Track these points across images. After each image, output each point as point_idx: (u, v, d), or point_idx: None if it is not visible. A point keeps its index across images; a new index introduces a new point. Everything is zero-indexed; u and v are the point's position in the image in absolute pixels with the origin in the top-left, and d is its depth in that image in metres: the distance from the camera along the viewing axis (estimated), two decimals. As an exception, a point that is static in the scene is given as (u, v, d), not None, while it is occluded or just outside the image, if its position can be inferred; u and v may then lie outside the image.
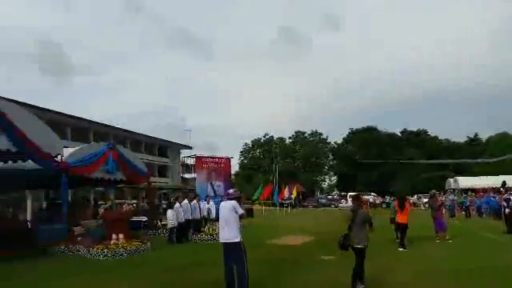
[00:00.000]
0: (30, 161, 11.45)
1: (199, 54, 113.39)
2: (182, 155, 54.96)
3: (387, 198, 38.70)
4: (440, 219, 12.84)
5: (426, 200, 38.84)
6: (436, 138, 66.90)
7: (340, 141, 69.48)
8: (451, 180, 44.28)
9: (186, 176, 52.02)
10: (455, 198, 27.88)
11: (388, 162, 47.94)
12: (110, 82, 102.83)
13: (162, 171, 51.01)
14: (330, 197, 51.02)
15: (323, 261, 9.23)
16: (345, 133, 69.39)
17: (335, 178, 71.68)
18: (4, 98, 10.28)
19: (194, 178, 27.13)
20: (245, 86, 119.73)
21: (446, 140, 66.37)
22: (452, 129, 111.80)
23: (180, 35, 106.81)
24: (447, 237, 12.47)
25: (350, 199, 15.00)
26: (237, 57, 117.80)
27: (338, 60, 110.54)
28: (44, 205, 18.17)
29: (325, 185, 75.57)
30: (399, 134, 67.69)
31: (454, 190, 39.67)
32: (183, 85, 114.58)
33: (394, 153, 58.65)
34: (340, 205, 45.40)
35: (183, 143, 53.46)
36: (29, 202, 17.97)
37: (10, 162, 12.22)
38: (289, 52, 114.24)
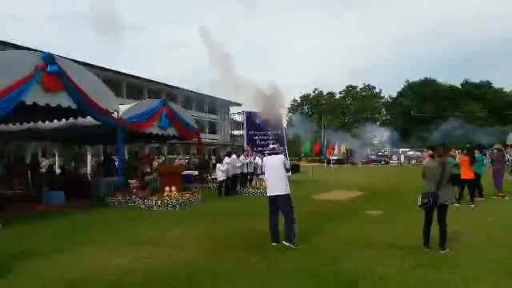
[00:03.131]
0: (89, 117, 12.11)
1: (247, 6, 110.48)
2: (231, 112, 55.52)
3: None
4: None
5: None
6: (500, 90, 61.75)
7: (395, 95, 66.51)
8: (512, 134, 41.21)
9: (235, 133, 52.84)
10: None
11: (443, 116, 45.36)
12: (161, 40, 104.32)
13: (212, 128, 52.14)
14: (380, 153, 49.64)
15: (370, 215, 9.21)
16: (400, 86, 66.18)
17: (387, 133, 69.33)
18: (64, 58, 10.76)
19: (242, 135, 27.51)
20: (294, 39, 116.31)
21: (513, 92, 61.05)
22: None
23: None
24: (500, 194, 11.86)
25: (425, 153, 13.72)
26: (285, 7, 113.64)
27: (393, 8, 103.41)
28: (102, 159, 19.39)
29: (376, 141, 73.44)
30: (459, 87, 63.24)
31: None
32: (233, 40, 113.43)
33: (452, 107, 55.26)
34: (391, 161, 44.26)
35: (232, 100, 53.77)
36: (89, 157, 19.31)
37: (71, 119, 13.07)
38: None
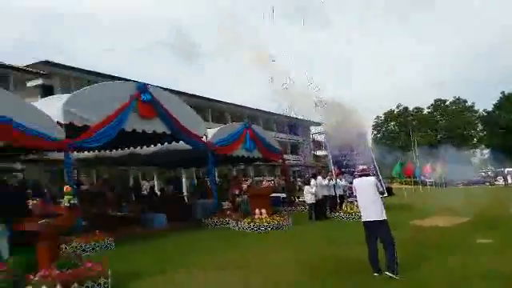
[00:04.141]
0: (181, 141, 12.87)
1: (313, 23, 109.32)
2: (311, 132, 54.98)
3: None
4: None
5: None
6: None
7: (491, 108, 60.30)
8: None
9: (318, 153, 52.05)
10: None
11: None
12: (236, 63, 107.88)
13: (294, 149, 52.02)
14: (483, 173, 44.65)
15: (480, 245, 8.23)
16: (496, 98, 59.76)
17: (487, 151, 62.75)
18: (155, 86, 11.65)
19: (326, 155, 26.96)
20: (369, 52, 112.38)
21: None
22: None
23: (288, 7, 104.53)
24: None
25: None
26: (355, 18, 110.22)
27: (481, 12, 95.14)
28: (195, 181, 20.36)
29: (475, 160, 66.69)
30: None
31: None
32: (304, 58, 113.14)
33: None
34: (496, 182, 39.59)
35: (312, 120, 53.22)
36: (183, 180, 20.44)
37: (165, 144, 13.94)
38: (415, 3, 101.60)
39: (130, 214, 12.03)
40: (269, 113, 45.99)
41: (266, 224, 10.93)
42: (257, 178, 23.88)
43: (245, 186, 14.41)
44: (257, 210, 11.49)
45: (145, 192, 16.77)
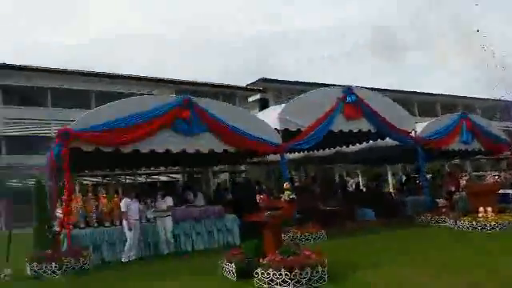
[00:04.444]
0: (387, 138, 12.88)
1: None
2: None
3: None
4: None
5: None
6: None
7: None
8: None
9: None
10: None
11: None
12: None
13: (525, 138, 43.01)
14: None
15: None
16: None
17: None
18: (360, 87, 12.00)
19: None
20: None
21: None
22: None
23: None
24: None
25: None
26: None
27: None
28: (403, 178, 19.63)
29: None
30: None
31: None
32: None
33: None
34: None
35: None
36: (389, 176, 20.08)
37: (370, 142, 14.10)
38: None
39: (338, 208, 12.57)
40: (488, 100, 39.81)
41: (492, 223, 9.59)
42: (475, 173, 21.11)
43: (463, 182, 12.99)
44: (481, 208, 10.19)
45: (350, 188, 17.24)
